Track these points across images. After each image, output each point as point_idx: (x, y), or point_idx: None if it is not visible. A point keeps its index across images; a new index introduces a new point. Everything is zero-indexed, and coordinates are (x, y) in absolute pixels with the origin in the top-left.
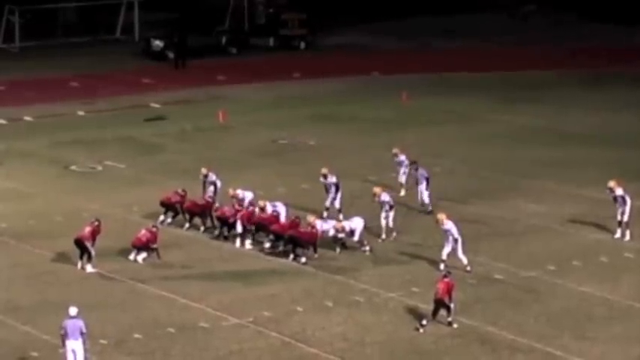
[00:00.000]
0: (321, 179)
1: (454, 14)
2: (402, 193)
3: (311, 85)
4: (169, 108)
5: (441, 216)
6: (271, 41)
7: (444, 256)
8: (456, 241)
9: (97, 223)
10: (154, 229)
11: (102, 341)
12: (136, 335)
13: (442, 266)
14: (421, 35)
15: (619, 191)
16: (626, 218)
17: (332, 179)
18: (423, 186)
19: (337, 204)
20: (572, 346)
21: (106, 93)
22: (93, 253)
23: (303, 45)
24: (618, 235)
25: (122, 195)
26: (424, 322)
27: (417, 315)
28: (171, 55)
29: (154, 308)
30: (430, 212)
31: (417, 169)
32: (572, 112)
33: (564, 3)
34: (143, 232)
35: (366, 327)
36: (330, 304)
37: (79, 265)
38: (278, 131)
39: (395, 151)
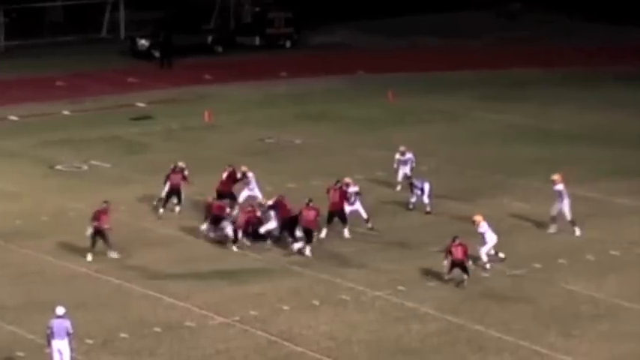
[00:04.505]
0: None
1: (440, 12)
2: (399, 188)
3: (297, 84)
4: (155, 107)
5: (478, 218)
6: (257, 40)
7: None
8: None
9: (105, 205)
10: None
11: (88, 341)
12: (123, 335)
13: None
14: (408, 34)
15: (559, 186)
16: (569, 215)
17: (354, 188)
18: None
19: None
20: (558, 344)
21: (92, 92)
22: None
23: (289, 44)
24: (552, 230)
25: (108, 194)
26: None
27: (403, 313)
28: (157, 54)
29: (140, 308)
30: (429, 212)
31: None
32: (559, 110)
33: (551, 2)
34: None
35: (353, 325)
36: (316, 302)
37: (89, 257)
38: (264, 130)
39: (402, 149)
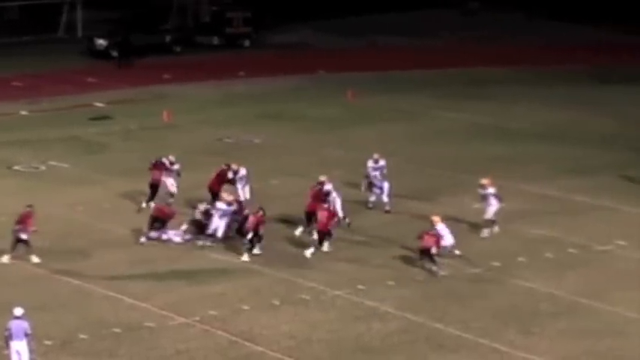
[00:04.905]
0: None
1: (399, 11)
2: (363, 189)
3: (256, 83)
4: (114, 107)
5: (436, 218)
6: (216, 39)
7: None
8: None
9: (29, 209)
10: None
11: (47, 342)
12: (82, 336)
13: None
14: (367, 33)
15: (490, 189)
16: (492, 216)
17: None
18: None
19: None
20: (517, 341)
21: (50, 92)
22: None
23: (247, 43)
24: (486, 234)
25: (66, 195)
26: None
27: (364, 312)
28: (115, 53)
29: (99, 308)
30: (388, 211)
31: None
32: (518, 109)
33: (510, 0)
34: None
35: (313, 325)
36: (277, 302)
37: (5, 258)
38: (223, 130)
39: (376, 156)
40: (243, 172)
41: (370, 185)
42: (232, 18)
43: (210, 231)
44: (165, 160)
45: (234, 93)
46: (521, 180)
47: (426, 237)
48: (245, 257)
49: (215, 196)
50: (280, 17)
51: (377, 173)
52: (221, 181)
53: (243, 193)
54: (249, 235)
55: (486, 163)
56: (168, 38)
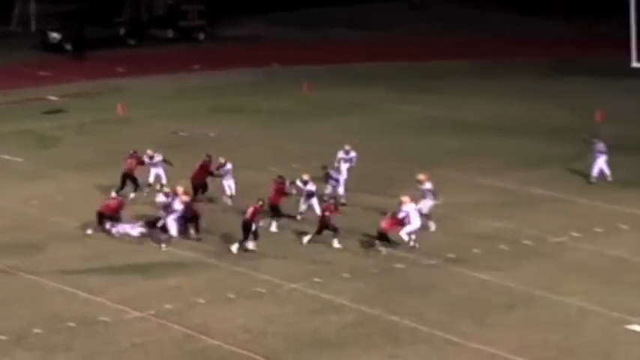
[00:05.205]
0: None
1: (353, 4)
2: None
3: (211, 76)
4: (68, 101)
5: (405, 198)
6: (170, 32)
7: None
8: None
9: None
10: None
11: (1, 337)
12: (37, 330)
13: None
14: (321, 26)
15: (427, 185)
16: (427, 212)
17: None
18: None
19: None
20: (471, 332)
21: (3, 86)
22: None
23: (202, 36)
24: (433, 228)
25: (20, 189)
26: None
27: (320, 305)
28: (68, 47)
29: (54, 303)
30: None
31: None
32: (472, 101)
33: None
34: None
35: (269, 318)
36: (232, 295)
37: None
38: (178, 123)
39: (347, 147)
40: (229, 166)
41: (326, 177)
42: (187, 11)
43: (160, 224)
44: (145, 158)
45: (189, 86)
46: (476, 173)
47: (388, 220)
48: (234, 248)
49: (198, 188)
50: (235, 10)
51: (345, 165)
52: (206, 172)
53: (229, 187)
54: (253, 227)
55: (441, 155)
56: (122, 31)
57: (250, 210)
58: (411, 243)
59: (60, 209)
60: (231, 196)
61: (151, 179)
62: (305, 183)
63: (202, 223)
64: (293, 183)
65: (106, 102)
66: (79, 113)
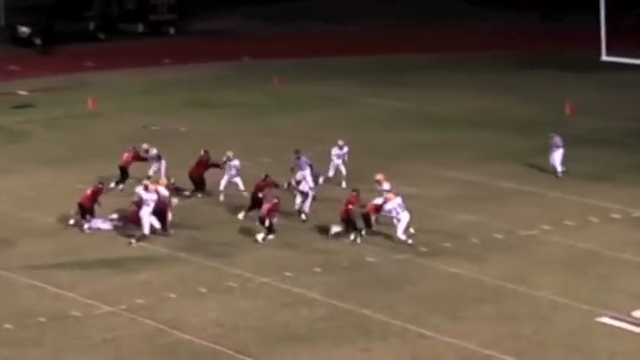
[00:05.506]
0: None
1: None
2: (331, 174)
3: (181, 70)
4: (37, 95)
5: (380, 176)
6: (140, 27)
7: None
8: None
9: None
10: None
11: None
12: (6, 325)
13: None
14: (292, 19)
15: (385, 185)
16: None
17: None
18: (307, 172)
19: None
20: (443, 326)
21: None
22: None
23: (172, 30)
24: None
25: None
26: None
27: (291, 299)
28: (38, 41)
29: (24, 298)
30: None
31: (299, 158)
32: (443, 95)
33: None
34: None
35: (241, 312)
36: (203, 290)
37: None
38: (149, 117)
39: (341, 142)
40: (236, 162)
41: (293, 170)
42: (156, 5)
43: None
44: (142, 153)
45: (160, 80)
46: (447, 166)
47: (372, 206)
48: (260, 237)
49: (197, 183)
50: (204, 4)
51: (339, 161)
52: (204, 167)
53: (233, 182)
54: (267, 223)
55: (412, 149)
56: (92, 25)
57: (266, 207)
58: (409, 241)
59: (30, 204)
60: (243, 191)
61: (151, 172)
62: (298, 183)
63: (170, 217)
64: (290, 185)
65: (75, 96)
66: (48, 108)
